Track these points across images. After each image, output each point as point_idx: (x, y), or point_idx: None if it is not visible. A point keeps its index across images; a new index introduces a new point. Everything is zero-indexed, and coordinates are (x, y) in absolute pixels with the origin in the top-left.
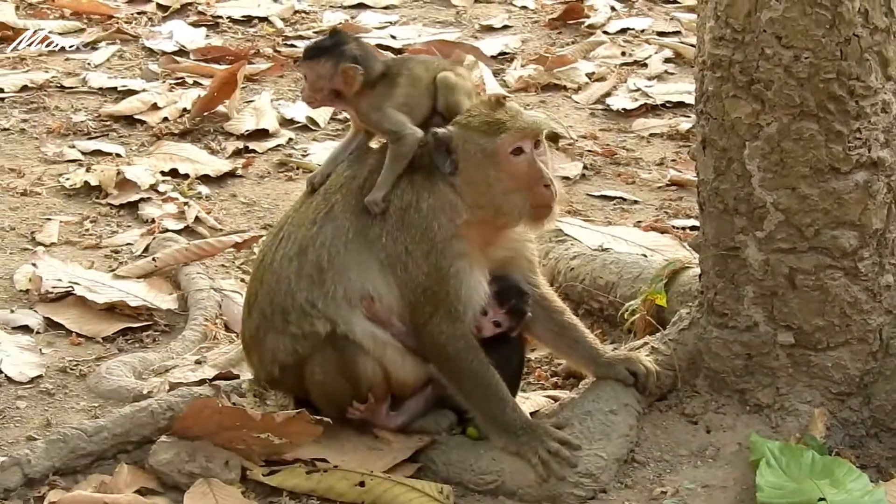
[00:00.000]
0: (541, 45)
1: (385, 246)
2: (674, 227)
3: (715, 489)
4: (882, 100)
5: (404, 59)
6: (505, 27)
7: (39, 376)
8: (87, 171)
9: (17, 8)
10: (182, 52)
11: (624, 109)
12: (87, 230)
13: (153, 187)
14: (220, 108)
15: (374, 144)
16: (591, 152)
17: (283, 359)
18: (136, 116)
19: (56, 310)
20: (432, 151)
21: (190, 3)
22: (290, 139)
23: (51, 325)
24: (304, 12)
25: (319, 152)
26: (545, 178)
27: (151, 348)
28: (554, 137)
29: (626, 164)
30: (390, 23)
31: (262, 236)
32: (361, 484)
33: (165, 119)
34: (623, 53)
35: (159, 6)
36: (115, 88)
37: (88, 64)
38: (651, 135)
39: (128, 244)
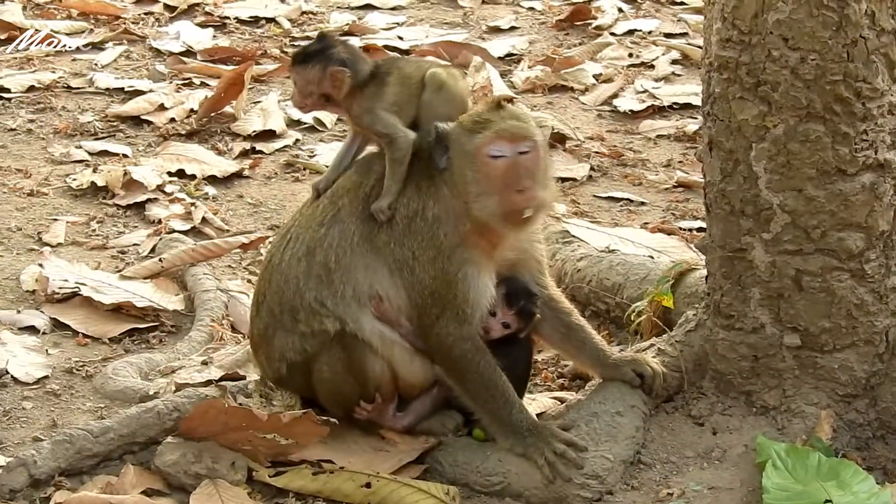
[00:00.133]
0: (548, 47)
1: (393, 251)
2: (680, 228)
3: (721, 491)
4: (889, 102)
5: (394, 60)
6: (512, 28)
7: (46, 377)
8: (94, 171)
9: (24, 8)
10: (189, 52)
11: (631, 111)
12: (94, 231)
13: (160, 188)
14: (227, 109)
15: (373, 147)
16: (598, 154)
17: (291, 357)
18: (143, 117)
19: (62, 310)
20: (433, 146)
21: (197, 4)
22: (297, 140)
23: (57, 325)
24: (312, 13)
25: (326, 153)
26: (519, 183)
27: (158, 349)
28: (561, 139)
29: (632, 166)
30: (397, 24)
31: (268, 237)
32: (368, 485)
33: (172, 120)
34: (630, 55)
35: (166, 7)
36: (122, 89)
37: (95, 64)
38: (658, 136)
39: (134, 245)
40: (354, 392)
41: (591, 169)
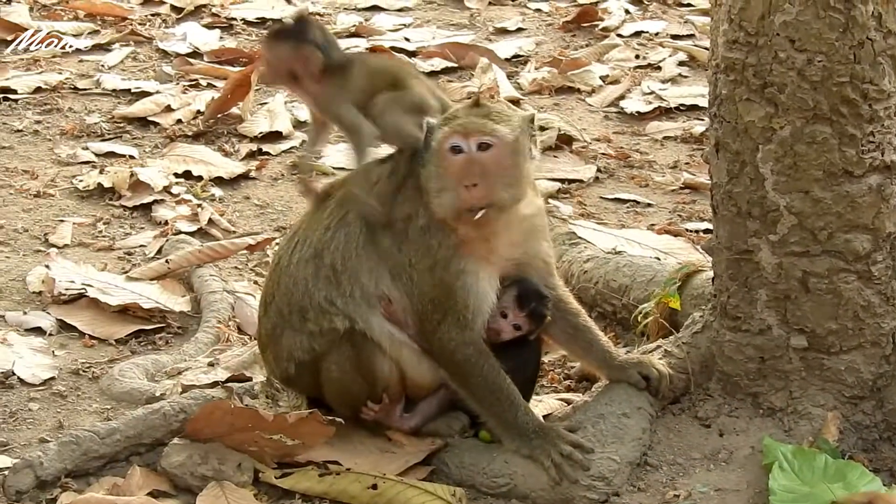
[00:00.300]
0: (555, 48)
1: (393, 255)
2: (687, 230)
3: (728, 493)
4: (895, 103)
5: (362, 54)
6: (519, 30)
7: (52, 378)
8: (101, 172)
9: (31, 9)
10: (196, 54)
11: (638, 112)
12: (101, 232)
13: (166, 189)
14: (234, 110)
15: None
16: (605, 155)
17: (300, 356)
18: (149, 118)
19: (69, 312)
20: (425, 141)
21: (204, 5)
22: (304, 142)
23: (64, 326)
24: (319, 15)
25: (333, 155)
26: (471, 178)
27: (164, 350)
28: (567, 140)
29: (639, 167)
30: (404, 25)
31: (275, 238)
32: (374, 487)
33: (179, 121)
34: (637, 56)
35: (173, 8)
36: (129, 90)
37: (102, 66)
38: (665, 138)
39: (141, 246)
40: (362, 392)
41: (598, 170)
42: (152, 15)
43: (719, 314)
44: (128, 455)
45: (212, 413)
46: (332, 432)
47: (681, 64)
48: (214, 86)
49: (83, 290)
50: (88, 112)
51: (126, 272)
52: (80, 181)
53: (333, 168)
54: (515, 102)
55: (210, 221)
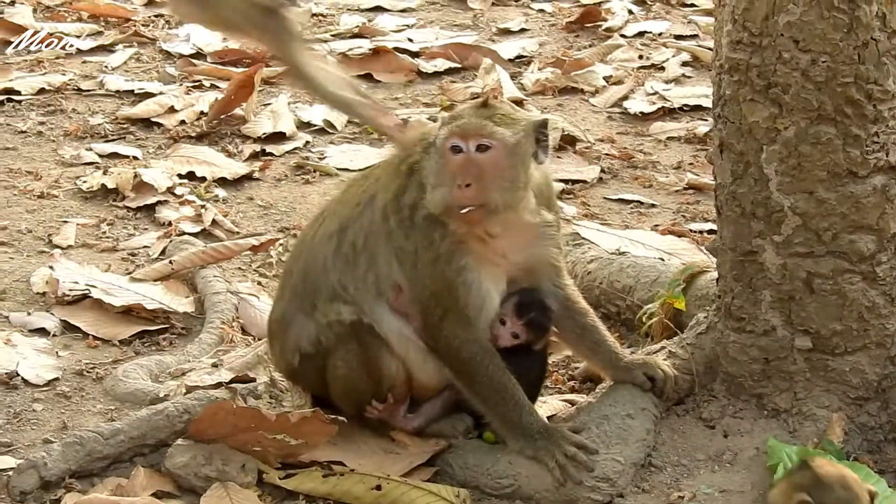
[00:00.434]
0: (558, 49)
1: (400, 241)
2: (691, 230)
3: (732, 494)
4: None
5: None
6: (522, 30)
7: (56, 379)
8: (105, 173)
9: (34, 11)
10: (199, 54)
11: (641, 113)
12: (104, 233)
13: (170, 190)
14: (237, 111)
15: None
16: (609, 156)
17: (306, 348)
18: (153, 119)
19: (73, 312)
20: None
21: None
22: (307, 142)
23: (67, 327)
24: (322, 15)
25: (336, 155)
26: (466, 178)
27: (168, 351)
28: (571, 141)
29: (643, 168)
30: (407, 26)
31: (278, 239)
32: (378, 487)
33: (182, 122)
34: (640, 57)
35: None
36: (133, 91)
37: (106, 67)
38: (668, 138)
39: (144, 247)
40: (367, 389)
41: (602, 171)
42: (155, 16)
43: (723, 315)
44: (132, 456)
45: (215, 414)
46: (335, 432)
47: (684, 64)
48: (218, 87)
49: (87, 291)
50: (92, 113)
51: (130, 273)
52: (84, 182)
53: (339, 168)
54: (519, 103)
55: (213, 222)
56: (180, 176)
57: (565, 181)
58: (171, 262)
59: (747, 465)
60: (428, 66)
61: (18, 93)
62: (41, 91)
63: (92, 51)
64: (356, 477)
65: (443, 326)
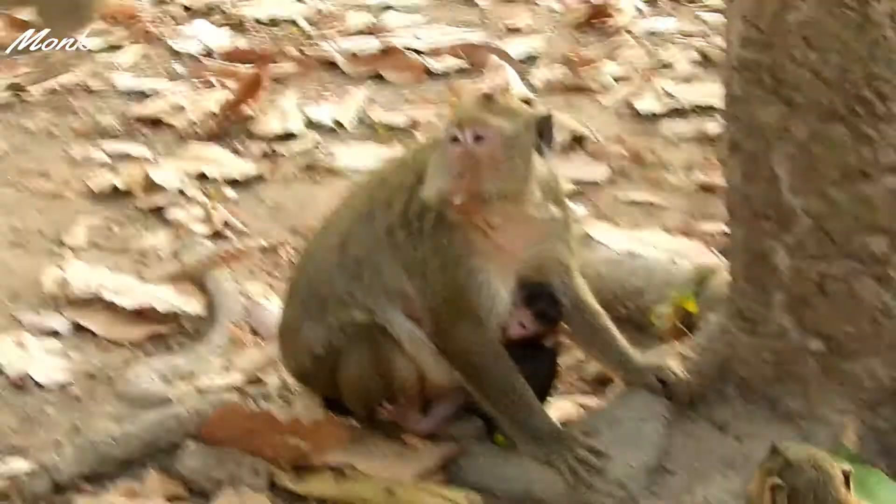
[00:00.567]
0: (566, 47)
1: (407, 252)
2: (702, 231)
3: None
4: None
5: None
6: (530, 29)
7: (67, 381)
8: (114, 173)
9: None
10: (208, 53)
11: (650, 112)
12: (114, 233)
13: (180, 190)
14: (247, 111)
15: None
16: (618, 156)
17: (317, 350)
18: (162, 119)
19: (83, 314)
20: None
21: (215, 5)
22: (317, 142)
23: (78, 329)
24: (329, 13)
25: (346, 155)
26: (459, 167)
27: (179, 353)
28: (580, 140)
29: (653, 168)
30: (415, 24)
31: (288, 241)
32: (389, 491)
33: (192, 121)
34: (649, 55)
35: (185, 8)
36: (141, 90)
37: (114, 65)
38: (678, 138)
39: (155, 248)
40: (379, 391)
41: (611, 171)
42: (164, 14)
43: (735, 317)
44: (144, 459)
45: (227, 417)
46: (347, 436)
47: (694, 63)
48: (227, 86)
49: (97, 292)
50: (101, 112)
51: (140, 274)
52: (94, 182)
53: (349, 168)
54: (527, 102)
55: (224, 223)
56: (190, 176)
57: (574, 181)
58: (181, 263)
59: None
60: (436, 65)
61: (28, 92)
62: (50, 90)
63: (100, 50)
64: (368, 480)
65: (453, 330)
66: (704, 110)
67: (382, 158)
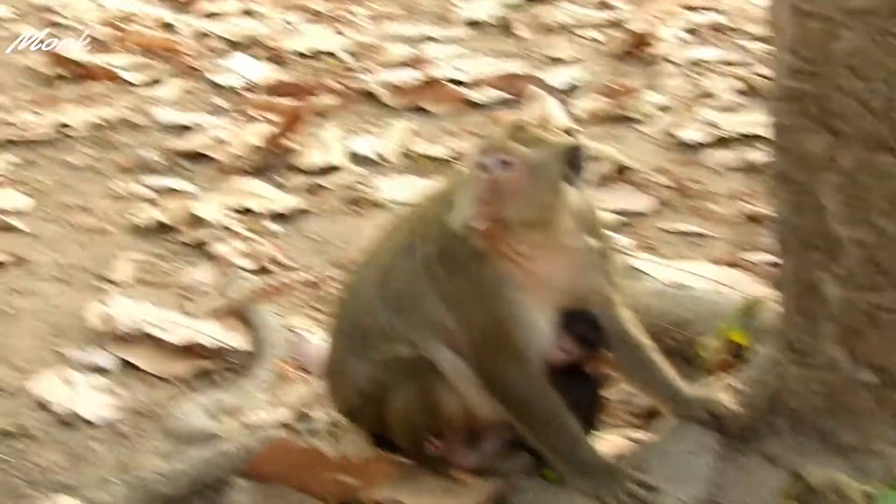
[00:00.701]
0: (607, 77)
1: (445, 285)
2: (750, 262)
3: None
4: None
5: None
6: (570, 59)
7: (113, 417)
8: (157, 208)
9: (84, 43)
10: (249, 87)
11: (694, 142)
12: (158, 268)
13: (223, 224)
14: (289, 144)
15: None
16: (663, 186)
17: (363, 386)
18: (204, 152)
19: (129, 349)
20: None
21: (255, 38)
22: (359, 174)
23: (124, 364)
24: (370, 45)
25: (388, 187)
26: (482, 194)
27: (225, 389)
28: (624, 171)
29: (698, 198)
30: (455, 55)
31: (333, 274)
32: None
33: (234, 155)
34: (691, 84)
35: (226, 41)
36: (183, 124)
37: (156, 100)
38: (722, 167)
39: (199, 282)
40: (426, 426)
41: (655, 202)
42: (205, 48)
43: (785, 349)
44: (191, 496)
45: (274, 453)
46: (395, 472)
47: (737, 92)
48: (268, 119)
49: (142, 328)
50: (143, 147)
51: (185, 309)
52: (137, 217)
53: (392, 200)
54: (568, 132)
55: (268, 257)
56: (233, 210)
57: (619, 212)
58: (226, 297)
59: None
60: (477, 96)
61: (69, 127)
62: (91, 125)
63: (141, 83)
64: None
65: (493, 363)
66: (748, 139)
67: (424, 190)
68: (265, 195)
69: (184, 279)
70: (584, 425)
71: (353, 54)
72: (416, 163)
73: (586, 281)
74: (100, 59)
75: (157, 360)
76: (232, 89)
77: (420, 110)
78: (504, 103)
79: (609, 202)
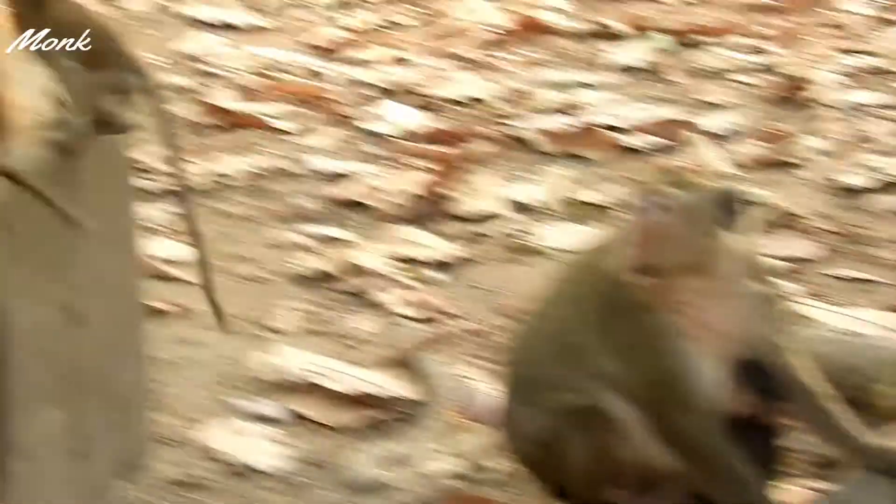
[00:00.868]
0: (763, 121)
1: (615, 334)
2: None
3: None
4: None
5: None
6: (726, 104)
7: (285, 467)
8: (317, 256)
9: (237, 93)
10: (402, 134)
11: (857, 187)
12: (320, 317)
13: (384, 273)
14: (446, 191)
15: None
16: (827, 231)
17: (537, 435)
18: (360, 200)
19: (296, 399)
20: None
21: (407, 85)
22: (517, 222)
23: (293, 414)
24: (523, 92)
25: (547, 235)
26: (638, 238)
27: (396, 438)
28: (785, 217)
29: (864, 244)
30: (608, 101)
31: (498, 322)
32: None
33: (391, 202)
34: (850, 129)
35: (377, 88)
36: (338, 172)
37: (309, 148)
38: (887, 213)
39: (362, 331)
40: (602, 475)
41: (822, 248)
42: (357, 95)
43: None
44: None
45: None
46: None
47: None
48: (424, 166)
49: (308, 377)
50: (299, 195)
51: (348, 358)
52: (297, 265)
53: (553, 248)
54: (725, 177)
55: (431, 306)
56: (393, 258)
57: (783, 258)
58: (389, 346)
59: None
60: (632, 142)
61: (225, 176)
62: (246, 173)
63: (294, 132)
64: None
65: (666, 413)
66: None
67: (584, 237)
68: (425, 243)
69: (347, 328)
70: (762, 476)
71: (505, 101)
72: (574, 210)
73: (754, 328)
74: (251, 108)
75: (325, 409)
76: (385, 137)
77: (575, 157)
78: (660, 149)
79: (773, 248)
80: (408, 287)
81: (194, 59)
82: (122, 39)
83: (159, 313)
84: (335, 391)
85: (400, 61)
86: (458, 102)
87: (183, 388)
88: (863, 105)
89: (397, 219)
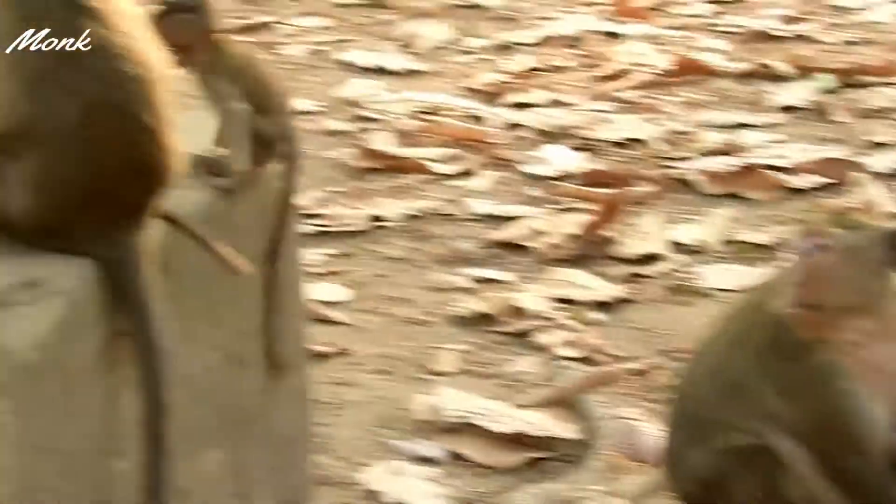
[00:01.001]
0: None
1: (777, 374)
2: None
3: None
4: None
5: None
6: (893, 143)
7: None
8: (477, 298)
9: (396, 137)
10: (563, 177)
11: None
12: (481, 359)
13: (545, 314)
14: (608, 233)
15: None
16: None
17: (703, 476)
18: (520, 243)
19: (456, 440)
20: None
21: (567, 128)
22: (681, 263)
23: (452, 456)
24: (684, 133)
25: (711, 276)
26: (800, 278)
27: (558, 479)
28: None
29: None
30: (772, 142)
31: (661, 363)
32: None
33: (552, 245)
34: None
35: (536, 131)
36: (498, 215)
37: (468, 191)
38: None
39: (524, 373)
40: None
41: None
42: (516, 138)
43: None
44: None
45: None
46: None
47: None
48: (585, 209)
49: (469, 418)
50: (459, 237)
51: (510, 399)
52: (457, 307)
53: (715, 289)
54: (893, 217)
55: (593, 347)
56: (554, 299)
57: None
58: (552, 387)
59: None
60: (797, 182)
61: (386, 219)
62: (406, 216)
63: (453, 175)
64: None
65: (835, 454)
66: None
67: (747, 278)
68: (586, 284)
69: (508, 370)
70: None
71: (666, 142)
72: (738, 251)
73: None
74: (409, 152)
75: (486, 450)
76: (545, 179)
77: (738, 197)
78: (825, 189)
79: None
80: (568, 328)
81: (351, 103)
82: (282, 88)
83: (319, 356)
84: (495, 432)
85: (560, 104)
86: (618, 144)
87: (342, 429)
88: None
89: (558, 261)
